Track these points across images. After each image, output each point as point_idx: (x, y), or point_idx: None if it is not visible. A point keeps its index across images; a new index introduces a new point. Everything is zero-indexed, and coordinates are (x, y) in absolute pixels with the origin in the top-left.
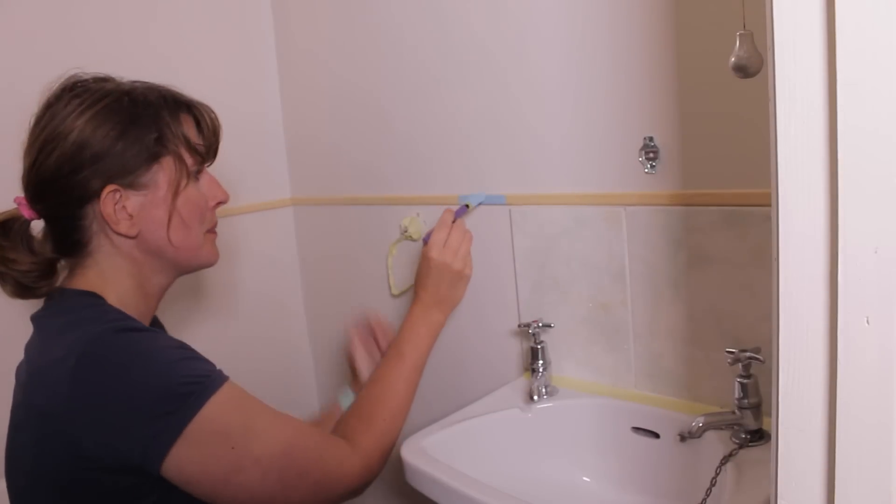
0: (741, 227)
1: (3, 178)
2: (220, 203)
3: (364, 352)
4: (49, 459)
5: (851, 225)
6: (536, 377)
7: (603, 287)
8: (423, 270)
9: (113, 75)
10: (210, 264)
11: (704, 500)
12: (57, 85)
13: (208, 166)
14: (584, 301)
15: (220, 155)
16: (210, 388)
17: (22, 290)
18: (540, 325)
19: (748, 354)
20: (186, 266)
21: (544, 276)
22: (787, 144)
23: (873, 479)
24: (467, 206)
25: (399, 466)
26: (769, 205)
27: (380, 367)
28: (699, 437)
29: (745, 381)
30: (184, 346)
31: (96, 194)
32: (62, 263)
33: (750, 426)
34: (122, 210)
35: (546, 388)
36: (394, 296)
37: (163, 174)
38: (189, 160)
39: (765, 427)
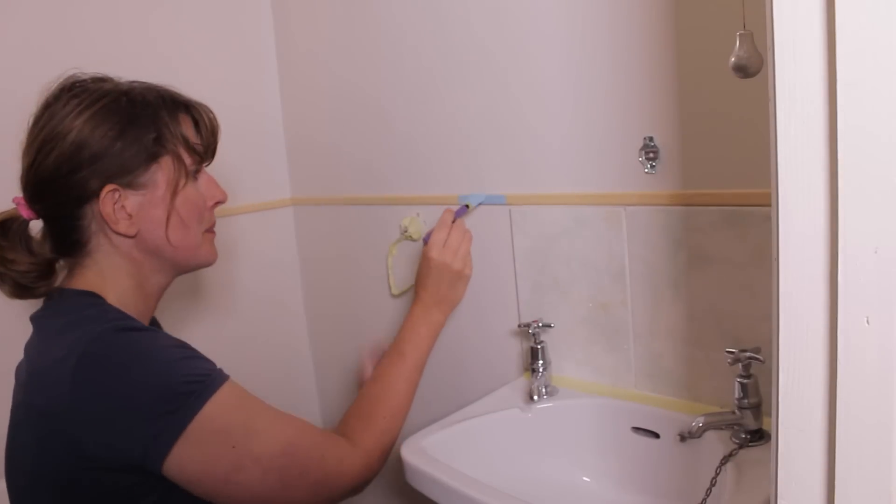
0: (741, 227)
1: (1, 179)
2: (218, 203)
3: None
4: (49, 459)
5: (851, 225)
6: (536, 377)
7: (603, 287)
8: (424, 270)
9: (111, 75)
10: (208, 264)
11: (704, 500)
12: (55, 85)
13: (206, 166)
14: (584, 301)
15: (219, 155)
16: (211, 387)
17: (21, 291)
18: (540, 325)
19: (748, 354)
20: (185, 265)
21: (544, 276)
22: (787, 144)
23: (873, 479)
24: (467, 206)
25: (399, 466)
26: (769, 205)
27: (380, 367)
28: (699, 437)
29: (745, 381)
30: (184, 346)
31: (95, 194)
32: (61, 263)
33: (750, 426)
34: (122, 210)
35: (546, 388)
36: (394, 296)
37: (161, 174)
38: (188, 160)
39: (765, 427)
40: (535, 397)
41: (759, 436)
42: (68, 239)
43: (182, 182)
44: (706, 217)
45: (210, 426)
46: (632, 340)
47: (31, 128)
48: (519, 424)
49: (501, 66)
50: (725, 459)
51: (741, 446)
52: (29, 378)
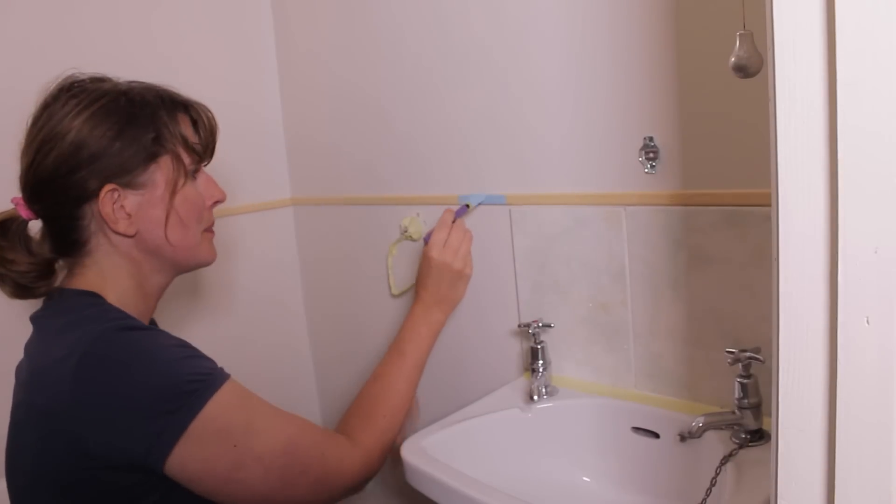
0: (741, 227)
1: (0, 179)
2: (217, 202)
3: None
4: (50, 458)
5: (851, 225)
6: (536, 377)
7: (603, 287)
8: (424, 270)
9: (110, 75)
10: (207, 263)
11: (704, 500)
12: (54, 85)
13: (205, 165)
14: (584, 301)
15: (220, 155)
16: (212, 386)
17: (21, 291)
18: (540, 325)
19: (748, 354)
20: (184, 265)
21: (544, 276)
22: (787, 144)
23: (873, 479)
24: (467, 206)
25: (399, 466)
26: (769, 205)
27: (381, 366)
28: (699, 437)
29: (745, 381)
30: (185, 345)
31: (94, 194)
32: (60, 263)
33: (750, 426)
34: (121, 209)
35: (546, 388)
36: (394, 296)
37: (160, 173)
38: (186, 159)
39: (765, 427)
40: (535, 397)
41: (759, 436)
42: (68, 239)
43: (181, 182)
44: (706, 217)
45: (212, 425)
46: (632, 340)
47: (29, 128)
48: (519, 424)
49: (501, 66)
50: (725, 459)
51: (741, 446)
52: (30, 377)
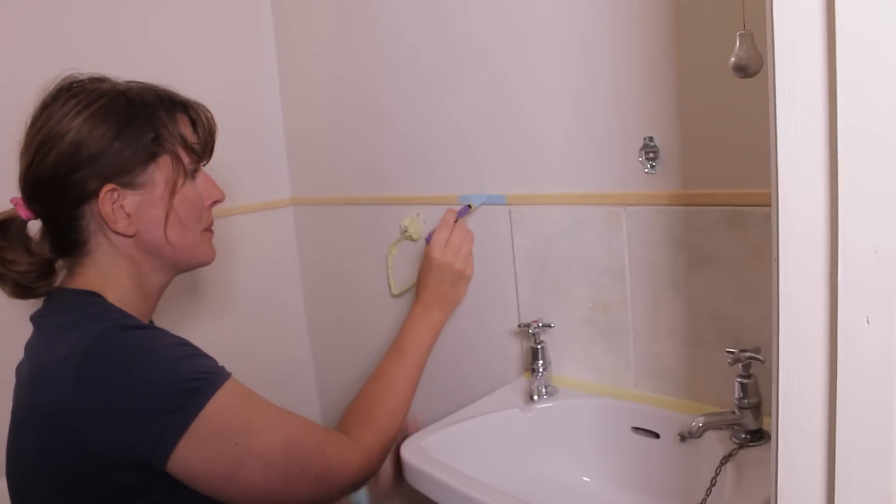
0: (741, 227)
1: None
2: (216, 202)
3: (387, 468)
4: (52, 457)
5: (851, 225)
6: (536, 377)
7: (603, 287)
8: (425, 270)
9: (108, 75)
10: (207, 262)
11: (704, 500)
12: (53, 85)
13: (204, 165)
14: (584, 301)
15: (219, 155)
16: (214, 384)
17: (21, 291)
18: (540, 325)
19: (748, 354)
20: (184, 264)
21: (544, 276)
22: (787, 144)
23: (873, 479)
24: (469, 206)
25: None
26: (769, 205)
27: (382, 365)
28: (699, 437)
29: (745, 381)
30: (186, 343)
31: (94, 194)
32: (60, 263)
33: (750, 426)
34: (121, 209)
35: (546, 388)
36: (394, 296)
37: (160, 173)
38: (186, 159)
39: (765, 427)
40: (535, 397)
41: (759, 436)
42: (67, 239)
43: (180, 181)
44: (706, 217)
45: (213, 423)
46: (632, 340)
47: (28, 128)
48: (519, 424)
49: (501, 66)
50: (725, 459)
51: (741, 446)
52: (31, 377)
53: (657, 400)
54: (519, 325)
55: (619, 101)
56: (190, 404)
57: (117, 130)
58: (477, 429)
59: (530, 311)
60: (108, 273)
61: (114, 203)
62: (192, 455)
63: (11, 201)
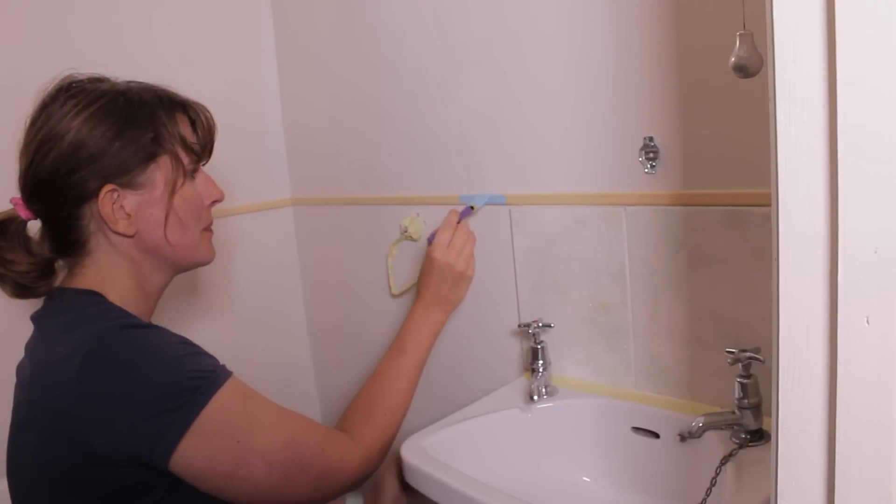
0: (741, 227)
1: None
2: (215, 202)
3: (393, 488)
4: (54, 456)
5: (851, 225)
6: (536, 377)
7: (603, 287)
8: (427, 270)
9: (108, 75)
10: (206, 262)
11: (704, 500)
12: (52, 85)
13: (204, 165)
14: (584, 301)
15: (219, 155)
16: (215, 383)
17: (21, 291)
18: (540, 325)
19: (748, 354)
20: (184, 264)
21: (544, 276)
22: (787, 144)
23: (873, 479)
24: (472, 207)
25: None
26: (769, 205)
27: (382, 364)
28: (699, 437)
29: (745, 381)
30: (187, 342)
31: (94, 194)
32: (60, 263)
33: (750, 426)
34: (120, 209)
35: (546, 388)
36: (394, 296)
37: (159, 173)
38: (185, 159)
39: (765, 427)
40: (535, 397)
41: (759, 436)
42: (67, 239)
43: (180, 181)
44: (706, 217)
45: (215, 422)
46: (632, 340)
47: (28, 128)
48: (519, 424)
49: (501, 66)
50: (725, 459)
51: (741, 446)
52: (32, 376)
53: (657, 400)
54: (519, 325)
55: (619, 101)
56: (191, 403)
57: (117, 130)
58: (477, 429)
59: (530, 311)
60: (108, 273)
61: (114, 203)
62: (194, 454)
63: (11, 201)
